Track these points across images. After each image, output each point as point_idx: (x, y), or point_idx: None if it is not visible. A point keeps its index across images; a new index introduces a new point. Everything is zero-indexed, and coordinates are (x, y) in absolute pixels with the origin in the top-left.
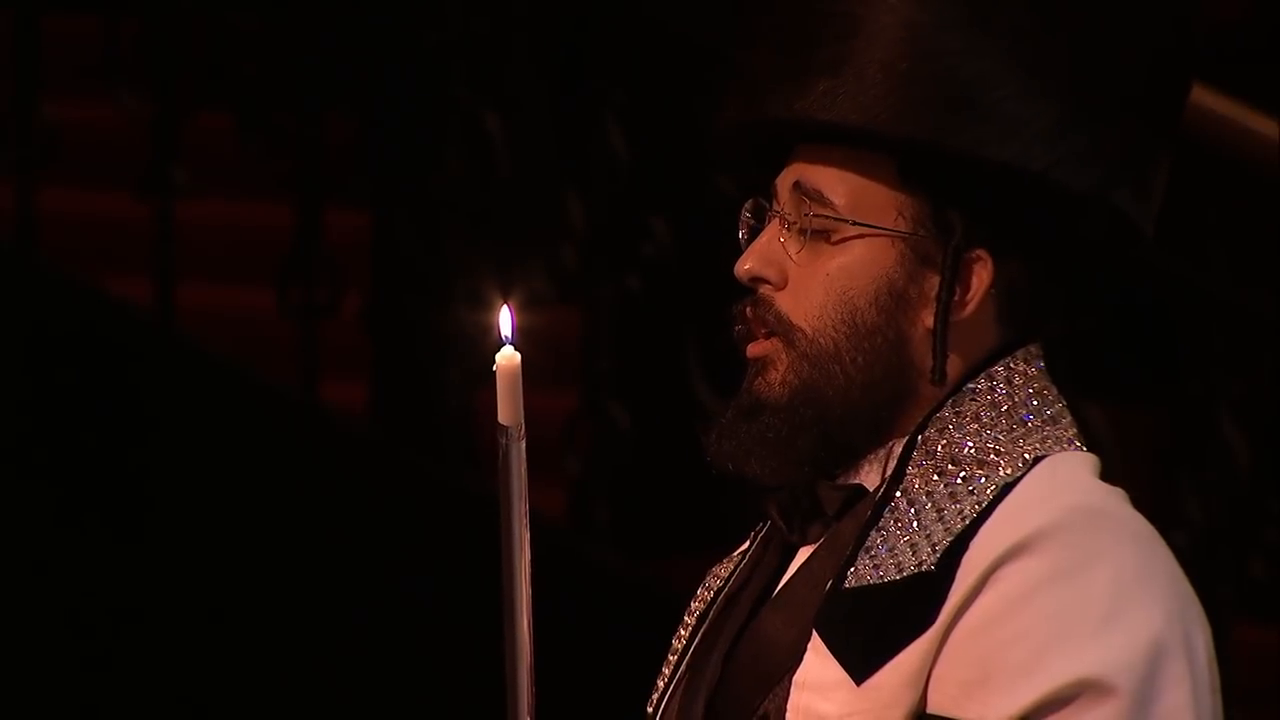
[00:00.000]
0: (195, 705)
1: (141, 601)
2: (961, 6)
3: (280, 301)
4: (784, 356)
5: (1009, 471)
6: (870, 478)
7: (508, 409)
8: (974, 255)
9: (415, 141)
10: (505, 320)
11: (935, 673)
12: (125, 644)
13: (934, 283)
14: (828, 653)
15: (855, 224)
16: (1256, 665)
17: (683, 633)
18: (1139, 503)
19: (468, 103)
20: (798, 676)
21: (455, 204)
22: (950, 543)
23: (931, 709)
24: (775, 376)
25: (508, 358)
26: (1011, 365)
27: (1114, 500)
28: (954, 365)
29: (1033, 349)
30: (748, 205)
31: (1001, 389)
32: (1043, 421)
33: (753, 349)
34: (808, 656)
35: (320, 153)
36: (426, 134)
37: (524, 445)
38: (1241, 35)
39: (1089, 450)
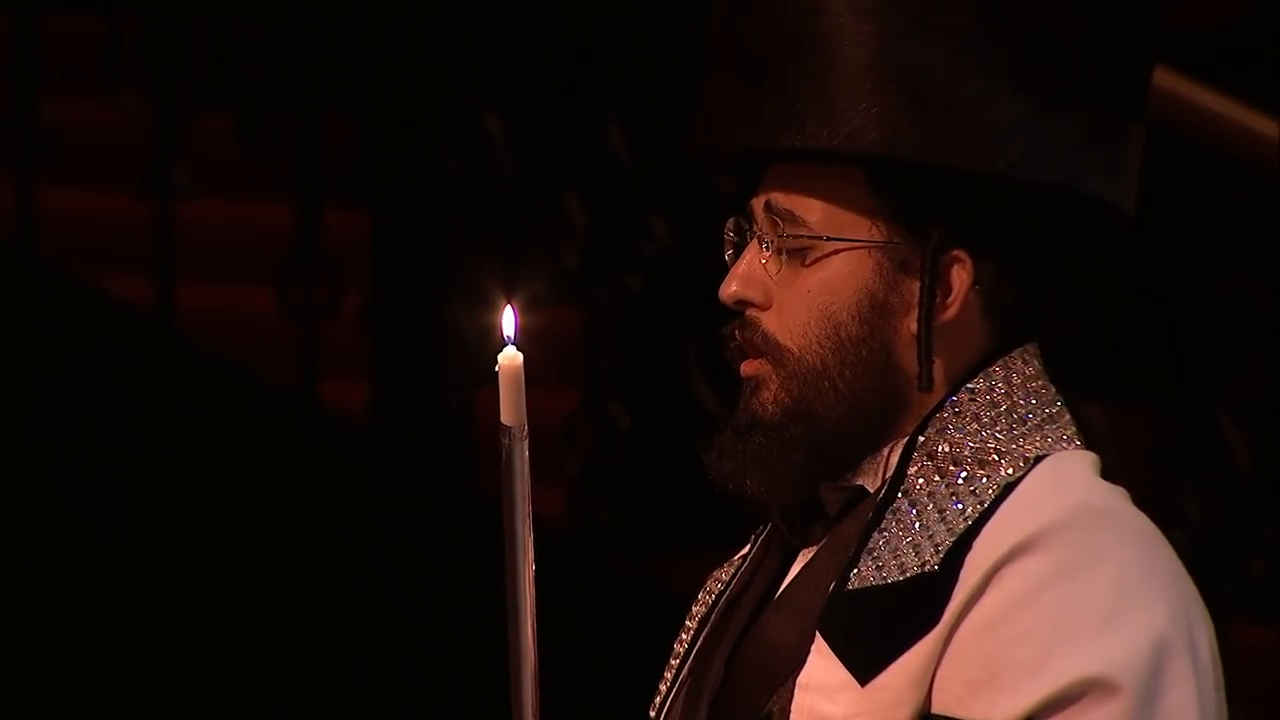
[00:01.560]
0: (194, 705)
1: (140, 601)
2: (910, 17)
3: (280, 301)
4: (775, 376)
5: (1010, 471)
6: (870, 480)
7: (510, 409)
8: (952, 257)
9: (415, 141)
10: (508, 320)
11: (940, 673)
12: (124, 643)
13: (914, 288)
14: (831, 654)
15: (829, 239)
16: (1256, 665)
17: (684, 637)
18: (1139, 502)
19: (468, 103)
20: (801, 678)
21: (455, 204)
22: (953, 543)
23: (936, 709)
24: (768, 396)
25: (510, 358)
26: (1009, 364)
27: (1116, 498)
28: (943, 368)
29: (1030, 348)
30: (729, 225)
31: (1000, 388)
32: (1042, 420)
33: (745, 369)
34: (811, 658)
35: (320, 153)
36: (426, 134)
37: (527, 445)
38: (1240, 34)
39: (1088, 449)
